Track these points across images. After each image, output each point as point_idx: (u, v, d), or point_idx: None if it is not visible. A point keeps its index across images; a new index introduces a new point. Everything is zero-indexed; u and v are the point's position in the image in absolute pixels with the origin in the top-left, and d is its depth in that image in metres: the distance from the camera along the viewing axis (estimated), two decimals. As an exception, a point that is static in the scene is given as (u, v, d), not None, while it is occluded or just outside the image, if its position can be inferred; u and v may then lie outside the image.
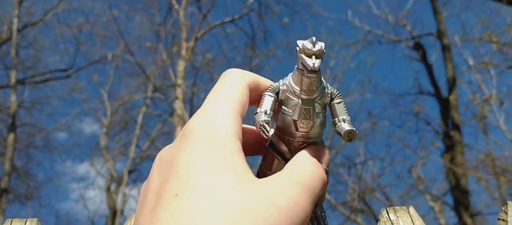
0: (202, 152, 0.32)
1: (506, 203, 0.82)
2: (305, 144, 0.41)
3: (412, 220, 0.75)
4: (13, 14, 8.46)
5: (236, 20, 9.11)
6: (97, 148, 9.24)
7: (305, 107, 0.40)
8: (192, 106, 8.49)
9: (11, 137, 7.98)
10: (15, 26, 8.42)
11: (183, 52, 8.21)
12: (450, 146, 7.37)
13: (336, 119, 0.42)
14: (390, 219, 0.75)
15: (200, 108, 0.37)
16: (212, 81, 8.92)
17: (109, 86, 9.21)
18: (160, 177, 0.33)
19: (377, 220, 0.77)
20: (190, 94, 8.59)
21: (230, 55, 9.94)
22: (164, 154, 0.35)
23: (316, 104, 0.40)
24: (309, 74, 0.38)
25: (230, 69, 0.40)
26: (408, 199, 8.17)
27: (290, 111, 0.40)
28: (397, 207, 0.78)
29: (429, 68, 8.27)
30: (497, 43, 6.72)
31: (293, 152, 0.41)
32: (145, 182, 0.36)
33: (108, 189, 8.53)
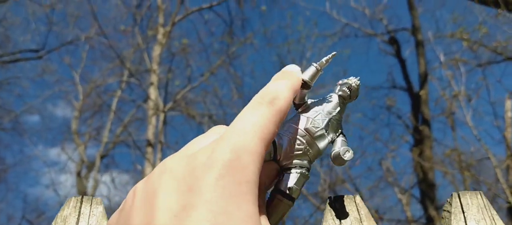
0: (236, 194, 0.31)
1: (452, 195, 0.83)
2: (300, 148, 0.42)
3: (357, 209, 0.76)
4: (-19, -10, 8.12)
5: (214, 6, 9.03)
6: (68, 132, 9.04)
7: (326, 116, 0.44)
8: (167, 92, 8.42)
9: (-23, 118, 7.68)
10: (-17, 3, 8.08)
11: (159, 36, 8.12)
12: (419, 140, 7.54)
13: (336, 147, 0.44)
14: (336, 208, 0.76)
15: (227, 133, 0.34)
16: (188, 67, 8.86)
17: (81, 69, 8.99)
18: (178, 199, 0.31)
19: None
20: (165, 80, 8.50)
21: (207, 42, 9.88)
22: (183, 172, 0.33)
23: (331, 122, 0.44)
24: (347, 98, 0.45)
25: (278, 87, 0.39)
26: (377, 190, 8.33)
27: (312, 113, 0.44)
28: (344, 196, 0.79)
29: (402, 63, 8.41)
30: (468, 41, 6.89)
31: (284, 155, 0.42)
32: (145, 183, 0.34)
33: (78, 174, 8.42)
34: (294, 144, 0.42)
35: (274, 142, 0.41)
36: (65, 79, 9.20)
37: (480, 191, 0.84)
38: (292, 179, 0.42)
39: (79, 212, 0.74)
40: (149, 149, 7.50)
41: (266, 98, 0.37)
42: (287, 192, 0.41)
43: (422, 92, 7.53)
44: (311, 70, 0.43)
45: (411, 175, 7.96)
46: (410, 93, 8.13)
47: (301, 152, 0.42)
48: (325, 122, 0.43)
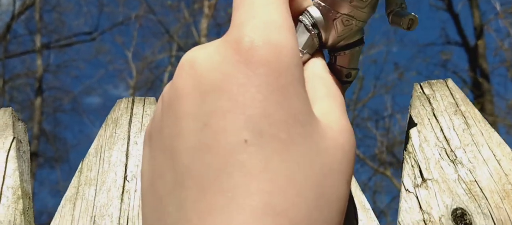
0: (274, 89, 0.25)
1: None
2: (349, 26, 0.37)
3: (451, 93, 0.69)
4: (35, -21, 8.50)
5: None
6: (124, 110, 9.37)
7: None
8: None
9: (38, 101, 8.14)
10: (38, -9, 8.46)
11: (206, 9, 8.21)
12: (479, 95, 7.24)
13: (394, 5, 0.39)
14: (424, 93, 0.70)
15: (244, 7, 0.28)
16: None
17: (133, 47, 9.26)
18: (203, 102, 0.25)
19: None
20: (214, 52, 8.58)
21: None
22: (205, 67, 0.26)
23: None
24: None
25: None
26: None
27: None
28: (433, 81, 0.73)
29: (455, 17, 8.04)
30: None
31: (333, 33, 0.37)
32: (169, 86, 0.29)
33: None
34: (342, 24, 0.37)
35: (318, 28, 0.37)
36: (118, 58, 9.54)
37: None
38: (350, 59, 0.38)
39: (131, 112, 0.70)
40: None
41: None
42: (347, 74, 0.38)
43: (479, 43, 7.19)
44: None
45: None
46: (465, 47, 7.79)
47: (352, 30, 0.38)
48: None
